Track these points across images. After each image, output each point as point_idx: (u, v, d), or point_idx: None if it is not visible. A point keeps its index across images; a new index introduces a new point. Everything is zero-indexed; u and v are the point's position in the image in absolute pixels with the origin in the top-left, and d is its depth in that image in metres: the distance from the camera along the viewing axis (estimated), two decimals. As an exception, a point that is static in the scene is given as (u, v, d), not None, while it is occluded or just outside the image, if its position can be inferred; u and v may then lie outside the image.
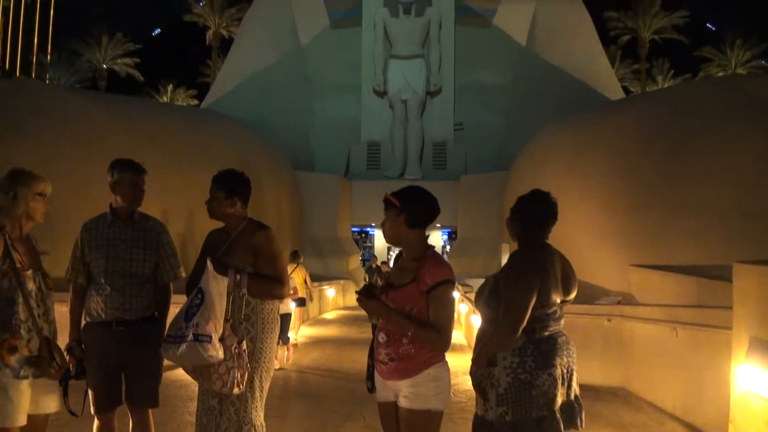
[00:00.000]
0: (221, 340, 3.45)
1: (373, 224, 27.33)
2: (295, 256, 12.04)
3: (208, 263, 3.56)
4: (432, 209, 3.03)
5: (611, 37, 45.94)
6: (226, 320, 3.51)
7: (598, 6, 39.04)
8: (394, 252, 23.52)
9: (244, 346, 3.50)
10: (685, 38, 45.57)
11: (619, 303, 8.60)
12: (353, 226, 26.38)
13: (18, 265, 3.29)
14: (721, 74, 45.72)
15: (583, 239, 12.61)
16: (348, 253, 23.85)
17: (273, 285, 3.63)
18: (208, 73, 48.55)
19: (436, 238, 28.76)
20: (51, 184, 3.50)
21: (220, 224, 3.82)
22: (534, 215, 3.18)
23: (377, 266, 16.21)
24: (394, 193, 3.02)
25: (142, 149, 12.65)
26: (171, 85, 53.45)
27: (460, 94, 25.91)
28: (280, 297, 3.72)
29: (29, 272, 3.34)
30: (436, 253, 3.01)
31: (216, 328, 3.43)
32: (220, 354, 3.41)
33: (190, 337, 3.39)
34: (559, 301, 3.08)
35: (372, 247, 29.85)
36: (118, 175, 3.78)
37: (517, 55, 25.83)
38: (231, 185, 3.70)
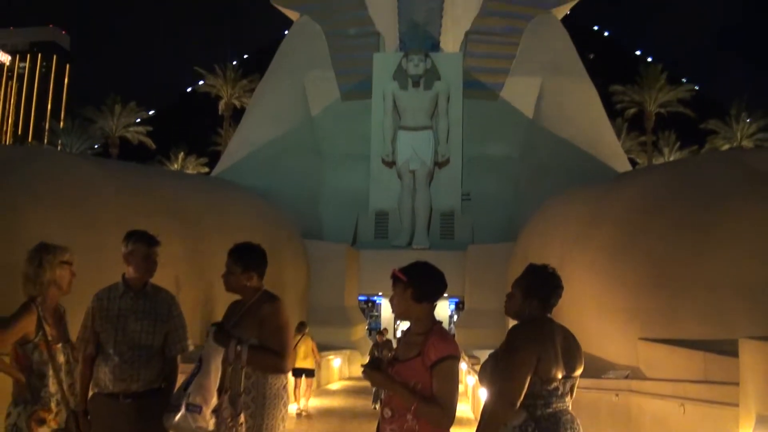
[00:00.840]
0: (216, 411, 3.46)
1: (381, 293, 27.28)
2: (300, 328, 12.06)
3: (209, 332, 3.62)
4: (438, 284, 3.11)
5: (617, 110, 46.69)
6: (224, 392, 3.54)
7: (604, 80, 39.91)
8: (400, 323, 23.37)
9: (241, 420, 3.49)
10: (691, 111, 46.25)
11: (627, 377, 8.54)
12: (360, 295, 26.34)
13: (50, 338, 3.38)
14: (726, 147, 46.21)
15: (591, 312, 12.58)
16: (354, 323, 23.75)
17: (273, 358, 3.61)
18: (220, 141, 49.48)
19: (443, 309, 28.61)
20: (75, 255, 3.62)
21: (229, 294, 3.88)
22: (533, 290, 3.24)
23: (375, 341, 16.08)
24: (402, 268, 3.12)
25: (153, 216, 12.85)
26: (182, 153, 54.40)
27: (467, 165, 26.29)
28: (280, 371, 3.69)
29: (59, 345, 3.43)
30: (442, 328, 3.08)
31: (206, 398, 3.46)
32: (210, 425, 3.42)
33: (184, 406, 3.42)
34: (560, 376, 3.10)
35: (379, 317, 29.69)
36: (132, 246, 3.89)
37: (525, 128, 26.33)
38: (248, 259, 3.77)
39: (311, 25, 29.15)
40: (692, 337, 9.71)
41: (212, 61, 49.95)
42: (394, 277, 3.12)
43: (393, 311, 3.19)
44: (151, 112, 53.20)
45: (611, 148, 27.51)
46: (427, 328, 3.04)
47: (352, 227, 26.25)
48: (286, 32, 31.42)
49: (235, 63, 49.86)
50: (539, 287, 3.26)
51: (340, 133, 27.20)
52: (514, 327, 3.22)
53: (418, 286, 3.07)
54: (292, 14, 30.81)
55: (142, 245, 3.94)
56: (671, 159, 49.22)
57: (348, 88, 27.62)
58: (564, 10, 30.22)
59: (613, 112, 42.11)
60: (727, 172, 12.71)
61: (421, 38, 27.50)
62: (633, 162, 43.84)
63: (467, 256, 23.04)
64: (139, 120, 51.67)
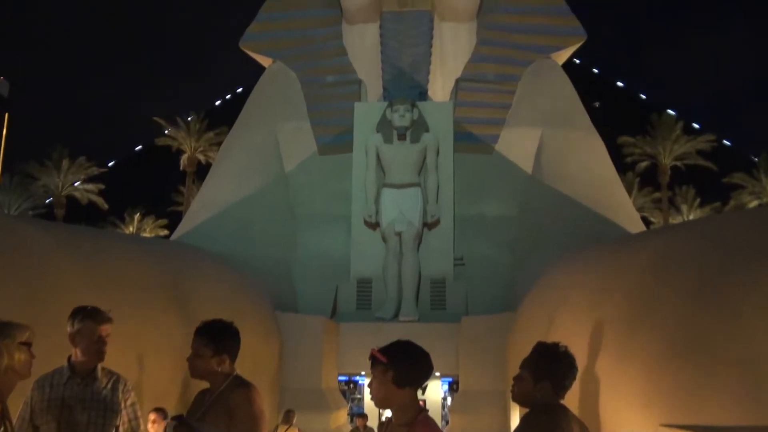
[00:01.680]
0: None
1: (363, 373, 26.96)
2: (287, 418, 11.93)
3: (168, 427, 3.56)
4: (423, 367, 3.10)
5: (627, 163, 47.46)
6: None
7: (612, 131, 40.69)
8: (383, 412, 23.01)
9: None
10: (713, 164, 46.81)
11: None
12: (340, 374, 26.01)
13: None
14: (755, 203, 46.69)
15: (603, 394, 12.51)
16: (333, 407, 23.38)
17: None
18: (181, 201, 49.68)
19: (435, 390, 28.29)
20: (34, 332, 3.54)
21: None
22: (544, 372, 3.24)
23: (356, 426, 15.90)
24: (382, 348, 3.11)
25: (104, 288, 12.78)
26: (138, 214, 54.41)
27: (460, 225, 26.43)
28: None
29: None
30: (428, 417, 3.05)
31: None
32: None
33: None
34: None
35: (361, 399, 29.28)
36: (79, 325, 3.82)
37: (523, 184, 26.62)
38: (219, 340, 3.68)
39: (285, 72, 29.67)
40: (722, 423, 9.64)
41: (174, 112, 50.56)
42: (373, 358, 3.12)
43: (372, 398, 3.19)
44: (103, 169, 53.27)
45: (622, 206, 27.80)
46: (410, 418, 3.01)
47: (330, 297, 26.13)
48: (258, 80, 31.86)
49: (199, 114, 50.41)
50: (551, 368, 3.27)
51: (316, 192, 27.36)
52: (528, 415, 3.20)
53: (400, 368, 3.05)
54: (264, 60, 31.37)
55: (91, 323, 3.87)
56: (690, 217, 49.76)
57: (326, 141, 27.92)
58: (565, 55, 30.98)
59: (622, 165, 42.77)
60: (757, 231, 12.77)
61: (407, 86, 27.93)
62: (647, 221, 44.28)
63: (461, 328, 22.93)
64: (89, 177, 51.81)
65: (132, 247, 20.75)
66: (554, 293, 16.98)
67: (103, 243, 18.21)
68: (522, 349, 3.42)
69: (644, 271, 13.76)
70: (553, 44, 29.70)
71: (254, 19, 31.20)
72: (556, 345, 3.33)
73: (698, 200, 52.24)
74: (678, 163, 48.32)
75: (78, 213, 52.17)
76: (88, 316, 3.88)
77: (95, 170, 51.71)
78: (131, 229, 53.36)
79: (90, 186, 51.26)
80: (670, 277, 13.01)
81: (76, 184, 50.89)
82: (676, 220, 52.62)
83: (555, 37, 29.67)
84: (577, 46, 30.56)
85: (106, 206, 51.40)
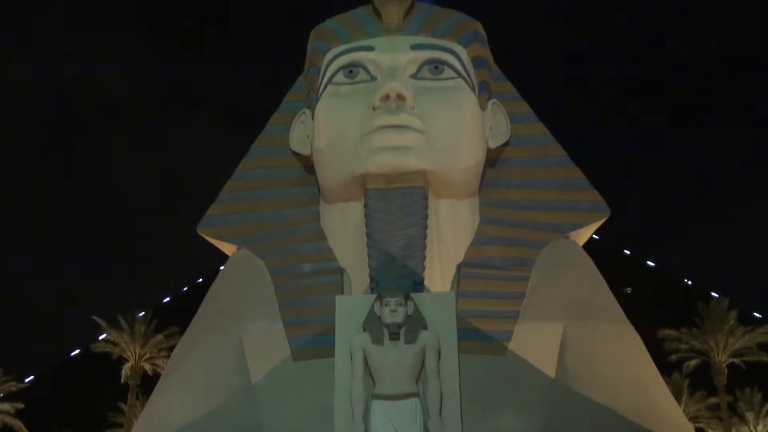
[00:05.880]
0: None
1: None
2: None
3: None
4: None
5: (672, 362, 47.46)
6: None
7: (650, 322, 41.14)
8: None
9: None
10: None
11: None
12: None
13: None
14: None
15: None
16: None
17: None
18: (121, 421, 49.18)
19: None
20: None
21: None
22: None
23: None
24: None
25: None
26: (66, 440, 53.55)
27: (471, 444, 26.16)
28: None
29: None
30: None
31: None
32: None
33: None
34: None
35: None
36: None
37: (545, 391, 26.52)
38: None
39: (252, 261, 30.21)
40: None
41: (116, 310, 51.00)
42: None
43: None
44: (23, 384, 52.93)
45: (669, 415, 27.68)
46: None
47: None
48: (220, 270, 32.46)
49: (147, 313, 50.92)
50: None
51: (290, 406, 27.10)
52: None
53: None
54: (227, 247, 32.10)
55: None
56: (759, 429, 49.16)
57: (302, 343, 27.95)
58: (586, 234, 31.75)
59: (666, 365, 42.88)
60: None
61: (398, 275, 28.04)
62: (703, 434, 43.71)
63: None
64: (5, 395, 51.45)
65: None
66: None
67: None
68: None
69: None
70: (572, 221, 30.42)
71: (215, 200, 32.07)
72: None
73: (767, 406, 51.73)
74: (736, 360, 48.33)
75: (-11, 441, 51.26)
76: None
77: (13, 386, 51.30)
78: (57, 459, 52.26)
79: (6, 405, 50.66)
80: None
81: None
82: (741, 432, 52.03)
83: (573, 213, 30.39)
84: (600, 222, 31.32)
85: (24, 431, 50.53)
